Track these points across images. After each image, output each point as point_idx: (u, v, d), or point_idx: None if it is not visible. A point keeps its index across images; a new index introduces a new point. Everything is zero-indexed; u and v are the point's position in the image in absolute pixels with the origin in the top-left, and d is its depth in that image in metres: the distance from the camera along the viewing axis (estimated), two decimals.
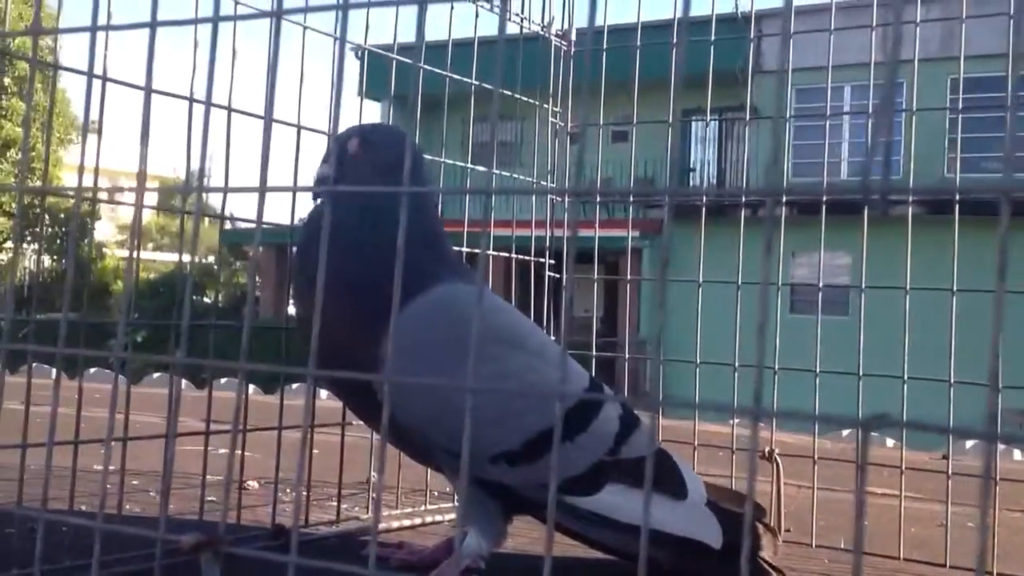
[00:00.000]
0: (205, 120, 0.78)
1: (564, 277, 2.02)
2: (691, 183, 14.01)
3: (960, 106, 1.76)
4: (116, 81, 1.09)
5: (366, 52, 1.68)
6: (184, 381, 4.73)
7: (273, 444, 1.63)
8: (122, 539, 1.25)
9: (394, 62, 1.76)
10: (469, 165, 1.89)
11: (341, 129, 1.44)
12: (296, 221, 1.64)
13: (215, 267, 10.72)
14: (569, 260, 0.70)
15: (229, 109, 1.38)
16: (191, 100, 1.28)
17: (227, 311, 14.84)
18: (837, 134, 11.73)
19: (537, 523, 1.54)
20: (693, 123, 12.78)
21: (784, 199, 1.89)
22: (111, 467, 1.47)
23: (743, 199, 2.08)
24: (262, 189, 0.80)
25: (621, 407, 1.44)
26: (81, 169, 0.90)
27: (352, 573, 0.73)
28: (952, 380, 1.70)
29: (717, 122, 13.17)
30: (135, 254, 1.10)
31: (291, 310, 1.60)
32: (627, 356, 2.06)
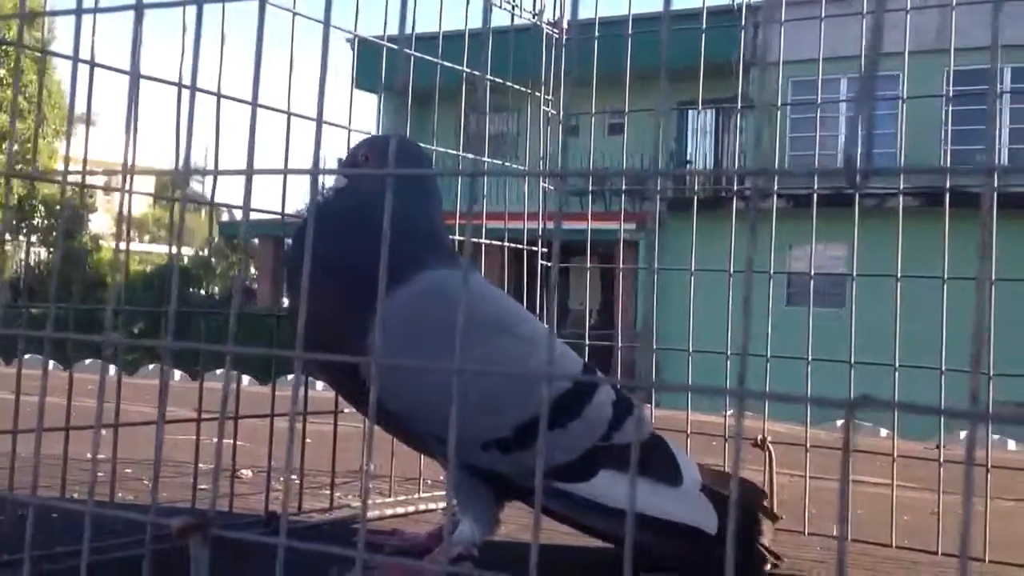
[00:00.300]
0: (191, 103, 0.78)
1: (551, 261, 2.02)
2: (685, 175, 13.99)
3: (950, 94, 1.76)
4: (103, 66, 1.09)
5: (356, 39, 1.68)
6: (179, 372, 4.74)
7: (267, 433, 1.63)
8: (114, 526, 1.26)
9: (386, 53, 1.76)
10: (460, 153, 1.89)
11: (327, 115, 1.44)
12: (286, 208, 1.65)
13: (211, 260, 10.72)
14: (555, 241, 0.70)
15: (219, 95, 1.38)
16: (180, 85, 1.28)
17: (224, 303, 14.81)
18: (833, 127, 11.72)
19: (529, 509, 1.54)
20: (690, 116, 12.78)
21: (776, 188, 1.90)
22: (104, 455, 1.48)
23: (735, 188, 2.08)
24: (249, 172, 0.80)
25: (615, 393, 1.43)
26: (67, 156, 0.90)
27: (341, 554, 0.73)
28: (943, 368, 1.70)
29: (714, 115, 13.14)
30: (124, 244, 1.10)
31: (285, 302, 1.61)
32: (619, 344, 2.06)
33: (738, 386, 0.65)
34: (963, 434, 3.51)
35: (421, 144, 1.74)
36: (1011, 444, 3.58)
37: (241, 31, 1.46)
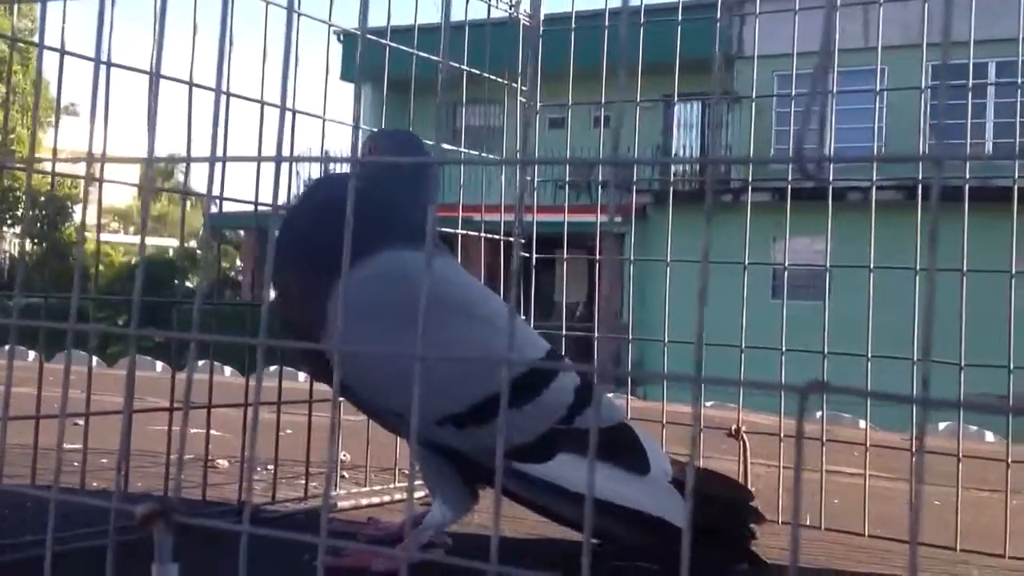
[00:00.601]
0: (155, 90, 0.78)
1: (529, 251, 2.02)
2: (672, 167, 13.98)
3: (924, 86, 1.77)
4: (71, 53, 1.08)
5: (330, 28, 1.68)
6: (161, 364, 4.74)
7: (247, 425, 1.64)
8: (84, 516, 1.26)
9: (361, 44, 1.76)
10: (434, 143, 1.89)
11: (310, 107, 1.44)
12: (260, 197, 1.65)
13: (196, 252, 10.70)
14: (517, 222, 0.71)
15: (190, 84, 1.38)
16: (150, 73, 1.27)
17: (209, 295, 14.73)
18: (816, 121, 11.74)
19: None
20: (676, 110, 12.78)
21: (750, 179, 1.91)
22: (77, 445, 1.48)
23: (710, 179, 2.09)
24: (217, 159, 0.80)
25: (580, 380, 1.43)
26: (32, 144, 0.89)
27: (307, 541, 0.73)
28: (915, 358, 1.71)
29: (700, 109, 13.14)
30: (88, 232, 1.10)
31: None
32: (596, 336, 2.06)
33: (696, 373, 0.66)
34: (942, 425, 3.53)
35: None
36: (988, 436, 3.60)
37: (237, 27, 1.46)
